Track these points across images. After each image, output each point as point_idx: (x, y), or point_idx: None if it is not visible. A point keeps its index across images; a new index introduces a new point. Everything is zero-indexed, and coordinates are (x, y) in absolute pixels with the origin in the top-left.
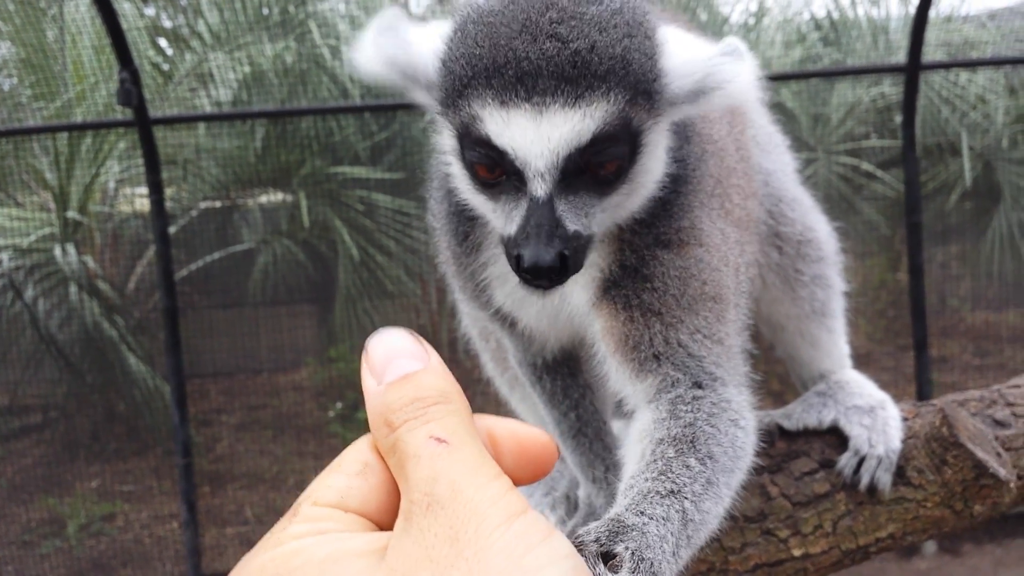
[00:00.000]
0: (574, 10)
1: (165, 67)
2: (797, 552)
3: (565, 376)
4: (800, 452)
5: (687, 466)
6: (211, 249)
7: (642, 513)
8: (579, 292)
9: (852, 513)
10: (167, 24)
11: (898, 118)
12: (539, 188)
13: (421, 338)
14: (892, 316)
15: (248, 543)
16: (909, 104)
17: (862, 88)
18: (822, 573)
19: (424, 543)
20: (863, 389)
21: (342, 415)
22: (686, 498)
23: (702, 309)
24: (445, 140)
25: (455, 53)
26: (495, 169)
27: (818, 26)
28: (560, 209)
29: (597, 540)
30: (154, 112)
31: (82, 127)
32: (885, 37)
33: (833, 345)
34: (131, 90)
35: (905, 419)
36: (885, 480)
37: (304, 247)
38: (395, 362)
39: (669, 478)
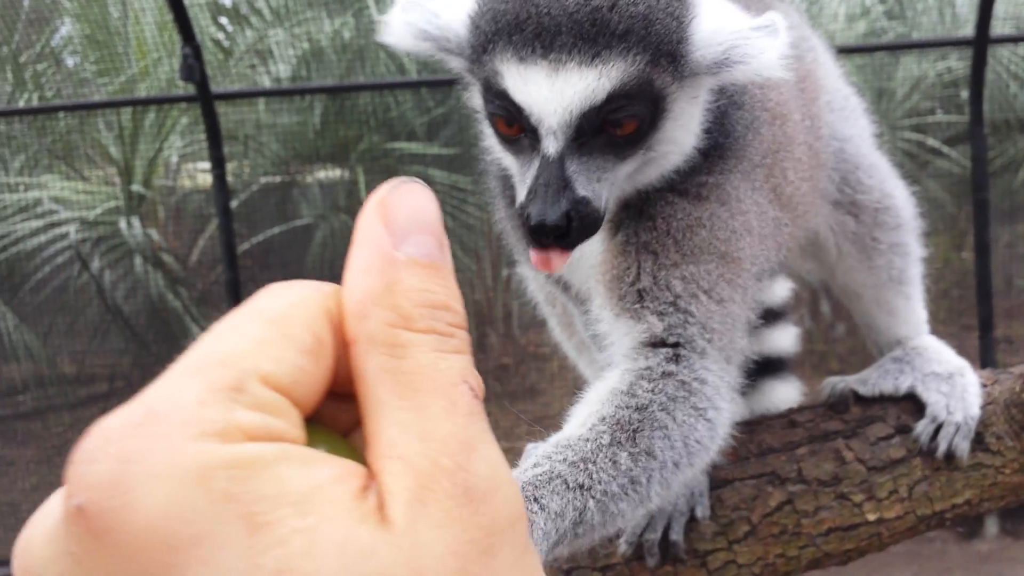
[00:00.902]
0: None
1: (226, 44)
2: (872, 517)
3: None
4: (875, 417)
5: (614, 461)
6: (271, 224)
7: (536, 500)
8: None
9: (928, 479)
10: (227, 1)
11: (965, 93)
12: (551, 146)
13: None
14: (956, 296)
15: None
16: (977, 79)
17: (928, 62)
18: (896, 538)
19: (455, 543)
20: (941, 355)
21: None
22: (593, 497)
23: (704, 261)
24: (474, 98)
25: (483, 9)
26: (513, 124)
27: None
28: (571, 170)
29: None
30: (215, 88)
31: (145, 102)
32: (952, 10)
33: (911, 312)
34: (194, 65)
35: (984, 385)
36: (963, 447)
37: None
38: (423, 236)
39: (587, 470)
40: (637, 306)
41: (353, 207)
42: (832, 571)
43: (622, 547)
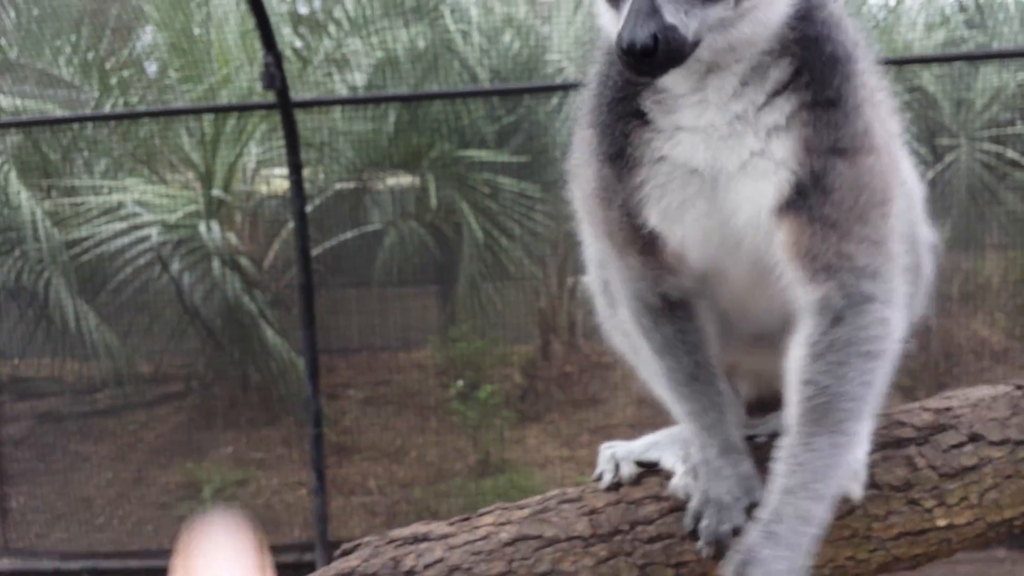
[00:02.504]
0: None
1: (304, 52)
2: (942, 522)
3: (683, 320)
4: (948, 425)
5: (813, 449)
6: (343, 229)
7: (771, 536)
8: (749, 205)
9: (999, 486)
10: (304, 11)
11: None
12: None
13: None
14: None
15: (372, 512)
16: None
17: (1008, 73)
18: (965, 544)
19: None
20: None
21: (462, 393)
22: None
23: (872, 217)
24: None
25: None
26: None
27: (962, 7)
28: None
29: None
30: (293, 96)
31: (227, 109)
32: None
33: None
34: (275, 74)
35: None
36: None
37: (430, 229)
38: None
39: (798, 471)
40: (824, 278)
41: (422, 213)
42: None
43: (703, 549)
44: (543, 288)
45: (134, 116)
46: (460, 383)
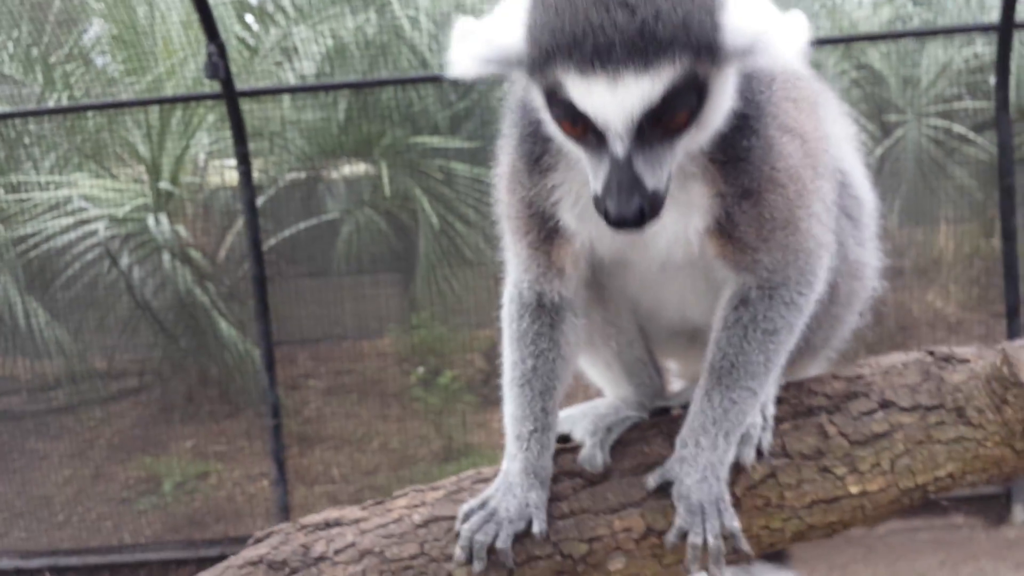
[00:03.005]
0: None
1: (251, 42)
2: (854, 489)
3: (545, 324)
4: (859, 392)
5: (712, 400)
6: (297, 219)
7: (683, 459)
8: (668, 232)
9: (910, 452)
10: (252, 0)
11: (992, 79)
12: (619, 148)
13: None
14: (985, 284)
15: (335, 501)
16: (1003, 64)
17: (954, 49)
18: (880, 511)
19: None
20: None
21: (424, 380)
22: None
23: (778, 236)
24: (535, 97)
25: (537, 23)
26: (579, 124)
27: None
28: (639, 167)
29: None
30: (240, 85)
31: (172, 100)
32: None
33: None
34: (218, 63)
35: (968, 361)
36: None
37: (386, 217)
38: None
39: (700, 415)
40: (738, 275)
41: (377, 201)
42: (859, 553)
43: (457, 552)
44: (501, 273)
45: (77, 110)
46: (421, 370)
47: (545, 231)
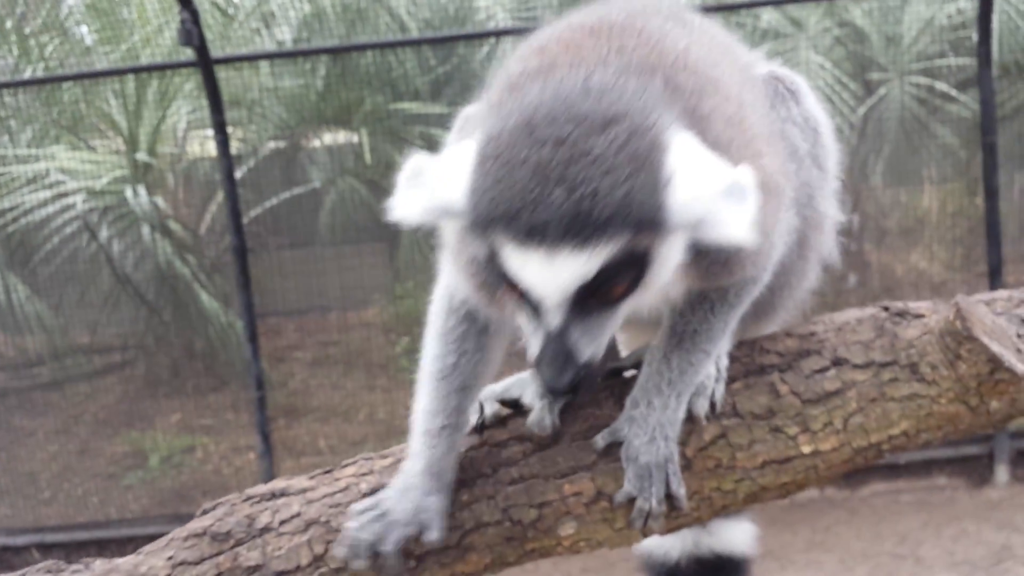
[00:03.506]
0: (583, 146)
1: (227, 8)
2: (807, 449)
3: (473, 329)
4: (811, 351)
5: (669, 360)
6: (279, 190)
7: (632, 419)
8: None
9: (863, 410)
10: None
11: (974, 36)
12: (553, 320)
13: None
14: (969, 243)
15: None
16: (984, 21)
17: (936, 5)
18: (834, 471)
19: None
20: None
21: (409, 350)
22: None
23: (747, 261)
24: (477, 250)
25: (479, 187)
26: (516, 290)
27: None
28: (573, 337)
29: None
30: (217, 52)
31: (147, 69)
32: None
33: None
34: (191, 30)
35: (922, 316)
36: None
37: (368, 185)
38: None
39: (654, 376)
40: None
41: (359, 170)
42: (846, 514)
43: (340, 549)
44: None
45: (53, 80)
46: (406, 340)
47: (489, 289)
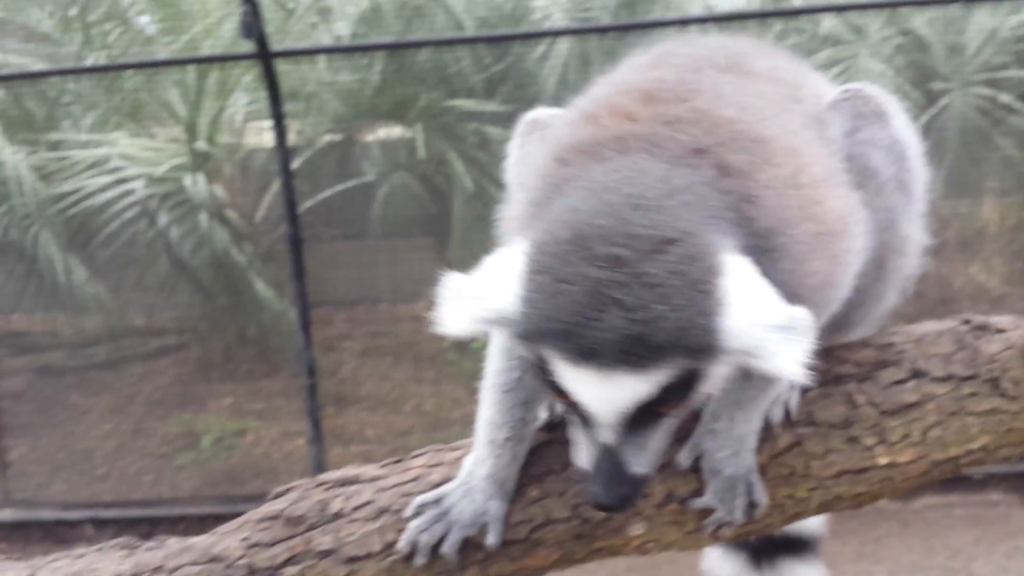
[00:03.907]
0: (638, 268)
1: (288, 4)
2: (883, 460)
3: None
4: (890, 362)
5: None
6: (333, 182)
7: (712, 432)
8: None
9: (942, 423)
10: None
11: None
12: (606, 437)
13: None
14: None
15: (369, 460)
16: None
17: (1001, 15)
18: (909, 483)
19: None
20: None
21: (457, 344)
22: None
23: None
24: (528, 353)
25: (530, 300)
26: (567, 402)
27: None
28: (626, 455)
29: None
30: (276, 46)
31: (208, 60)
32: None
33: None
34: (251, 23)
35: (1004, 331)
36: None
37: (421, 180)
38: None
39: (729, 394)
40: None
41: (413, 165)
42: (897, 526)
43: (403, 543)
44: None
45: (115, 68)
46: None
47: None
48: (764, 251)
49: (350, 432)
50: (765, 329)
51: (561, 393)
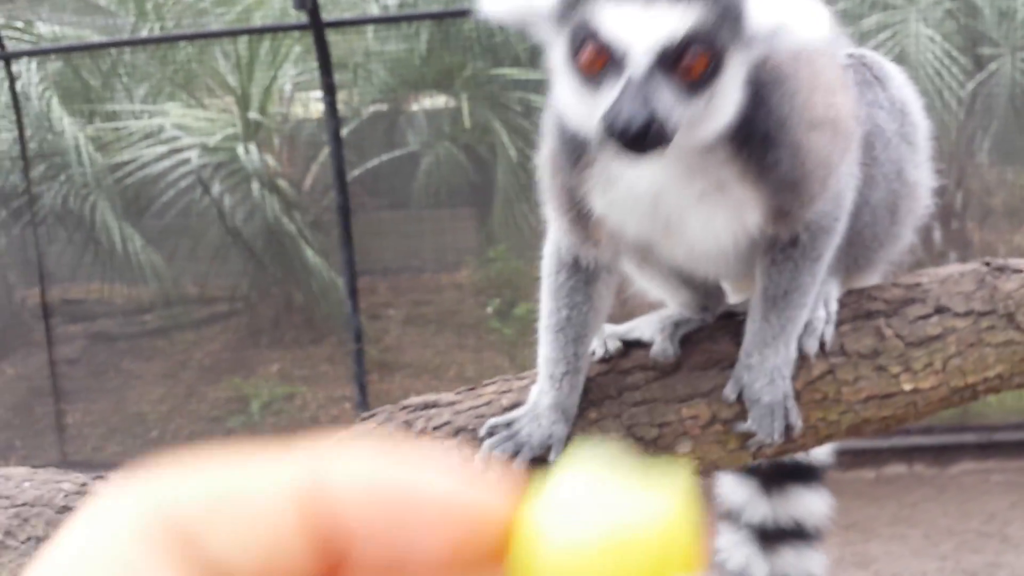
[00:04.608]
0: None
1: None
2: (908, 387)
3: (581, 280)
4: (916, 299)
5: (768, 320)
6: (379, 151)
7: (748, 367)
8: (706, 232)
9: (962, 353)
10: None
11: None
12: (638, 68)
13: None
14: None
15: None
16: None
17: None
18: (931, 407)
19: None
20: None
21: (499, 311)
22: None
23: (820, 190)
24: (557, 55)
25: None
26: (597, 60)
27: None
28: (654, 87)
29: None
30: (326, 16)
31: (260, 30)
32: None
33: None
34: None
35: (1021, 271)
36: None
37: (465, 150)
38: None
39: (759, 332)
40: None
41: (457, 134)
42: (934, 491)
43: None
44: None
45: (167, 40)
46: (497, 301)
47: (582, 213)
48: (780, 81)
49: (394, 398)
50: (791, 6)
51: (596, 55)
